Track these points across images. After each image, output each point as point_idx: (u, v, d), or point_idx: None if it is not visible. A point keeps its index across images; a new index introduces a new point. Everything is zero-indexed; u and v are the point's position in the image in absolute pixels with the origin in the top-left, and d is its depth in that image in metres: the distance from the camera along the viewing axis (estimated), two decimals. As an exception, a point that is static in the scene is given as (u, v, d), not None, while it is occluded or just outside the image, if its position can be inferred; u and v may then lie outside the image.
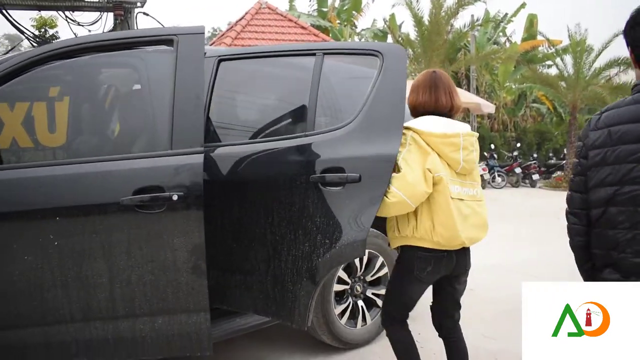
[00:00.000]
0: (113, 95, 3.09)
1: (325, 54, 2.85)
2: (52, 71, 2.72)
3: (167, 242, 2.44)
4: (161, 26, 8.56)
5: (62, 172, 2.42)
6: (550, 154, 19.40)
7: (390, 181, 2.43)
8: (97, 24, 11.42)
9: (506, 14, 23.10)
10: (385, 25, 21.00)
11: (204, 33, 2.60)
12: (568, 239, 2.06)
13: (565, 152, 17.29)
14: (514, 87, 20.99)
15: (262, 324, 3.30)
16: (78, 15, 11.43)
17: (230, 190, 2.74)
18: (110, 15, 11.19)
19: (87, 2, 11.10)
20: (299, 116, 2.94)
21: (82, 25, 11.43)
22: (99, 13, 11.39)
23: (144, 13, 11.34)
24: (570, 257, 2.15)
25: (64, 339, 2.41)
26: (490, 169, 16.61)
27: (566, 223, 2.05)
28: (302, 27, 14.71)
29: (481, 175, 16.35)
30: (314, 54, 2.85)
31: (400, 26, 21.25)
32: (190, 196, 2.43)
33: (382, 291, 3.97)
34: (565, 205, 2.06)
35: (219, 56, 2.95)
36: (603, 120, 1.90)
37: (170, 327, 2.49)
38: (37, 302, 2.38)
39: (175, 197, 2.39)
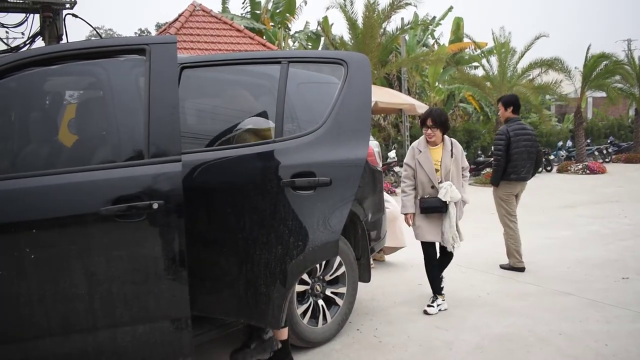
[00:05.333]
0: (87, 104, 3.01)
1: (290, 62, 2.92)
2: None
3: (148, 251, 2.43)
4: (91, 27, 8.34)
5: (37, 183, 2.35)
6: (479, 152, 20.12)
7: None
8: (22, 26, 10.88)
9: (434, 17, 23.92)
10: (319, 28, 21.17)
11: (176, 42, 2.59)
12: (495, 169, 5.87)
13: (493, 149, 17.85)
14: (443, 87, 21.67)
15: (229, 328, 3.32)
16: (1, 17, 10.85)
17: (200, 197, 2.74)
18: (37, 16, 10.68)
19: (11, 2, 10.53)
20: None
21: (7, 28, 10.86)
22: (25, 14, 10.84)
23: (73, 15, 10.90)
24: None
25: (42, 354, 2.35)
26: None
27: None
28: (238, 30, 14.63)
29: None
30: (279, 62, 2.92)
31: (331, 27, 21.48)
32: (170, 204, 2.43)
33: (341, 289, 4.10)
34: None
35: (182, 64, 2.94)
36: (511, 129, 5.81)
37: (152, 335, 2.48)
38: (13, 317, 2.31)
39: (155, 206, 2.38)
